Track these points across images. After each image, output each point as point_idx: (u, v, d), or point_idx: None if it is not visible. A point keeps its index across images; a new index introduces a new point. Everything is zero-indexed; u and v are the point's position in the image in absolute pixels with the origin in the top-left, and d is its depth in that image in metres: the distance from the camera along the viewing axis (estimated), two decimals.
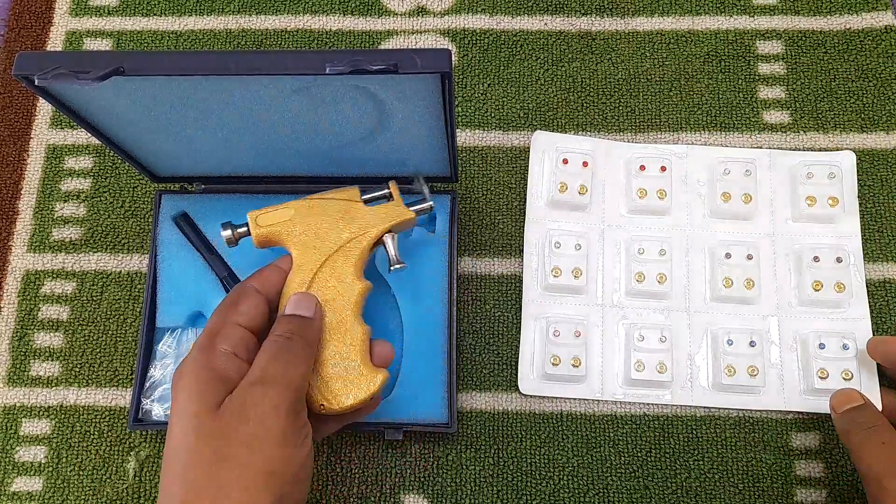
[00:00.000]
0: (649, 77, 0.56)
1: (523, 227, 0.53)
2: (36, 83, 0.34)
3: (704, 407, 0.50)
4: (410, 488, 0.49)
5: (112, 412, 0.50)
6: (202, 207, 0.52)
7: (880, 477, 0.41)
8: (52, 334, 0.52)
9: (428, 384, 0.49)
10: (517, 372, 0.50)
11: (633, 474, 0.48)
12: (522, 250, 0.52)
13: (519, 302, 0.52)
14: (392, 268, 0.44)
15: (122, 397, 0.50)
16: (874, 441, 0.43)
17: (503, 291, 0.52)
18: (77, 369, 0.51)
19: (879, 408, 0.48)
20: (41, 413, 0.50)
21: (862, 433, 0.43)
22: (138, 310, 0.52)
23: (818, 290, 0.50)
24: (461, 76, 0.57)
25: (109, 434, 0.50)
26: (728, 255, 0.51)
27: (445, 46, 0.57)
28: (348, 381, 0.41)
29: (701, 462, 0.49)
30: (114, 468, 0.49)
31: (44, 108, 0.57)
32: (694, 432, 0.49)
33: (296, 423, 0.37)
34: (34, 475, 0.49)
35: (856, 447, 0.43)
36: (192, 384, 0.37)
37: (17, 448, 0.50)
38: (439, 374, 0.49)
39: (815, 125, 0.55)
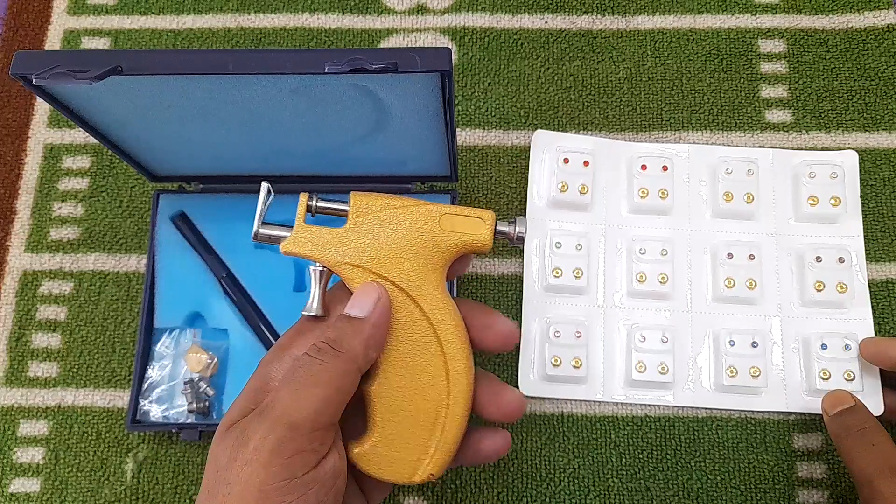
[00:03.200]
0: (651, 76, 0.56)
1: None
2: (34, 82, 0.34)
3: (706, 408, 0.49)
4: (410, 490, 0.48)
5: (110, 413, 0.50)
6: (200, 207, 0.52)
7: (871, 478, 0.41)
8: (49, 335, 0.52)
9: None
10: (517, 373, 0.50)
11: (634, 476, 0.48)
12: (523, 250, 0.52)
13: (519, 302, 0.51)
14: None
15: (120, 398, 0.50)
16: (864, 442, 0.42)
17: (503, 292, 0.52)
18: (75, 370, 0.51)
19: (881, 409, 0.48)
20: (39, 414, 0.50)
21: (853, 435, 0.43)
22: (136, 310, 0.52)
23: (820, 291, 0.50)
24: (461, 75, 0.57)
25: (107, 435, 0.49)
26: (730, 255, 0.51)
27: (445, 45, 0.57)
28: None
29: (703, 463, 0.48)
30: (112, 469, 0.49)
31: (42, 108, 0.57)
32: (696, 433, 0.49)
33: (283, 473, 0.30)
34: (32, 476, 0.49)
35: (847, 449, 0.43)
36: (245, 386, 0.34)
37: (15, 449, 0.49)
38: None
39: (818, 124, 0.55)
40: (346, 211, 0.37)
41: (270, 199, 0.37)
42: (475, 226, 0.37)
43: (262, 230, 0.37)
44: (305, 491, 0.31)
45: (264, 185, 0.37)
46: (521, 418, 0.37)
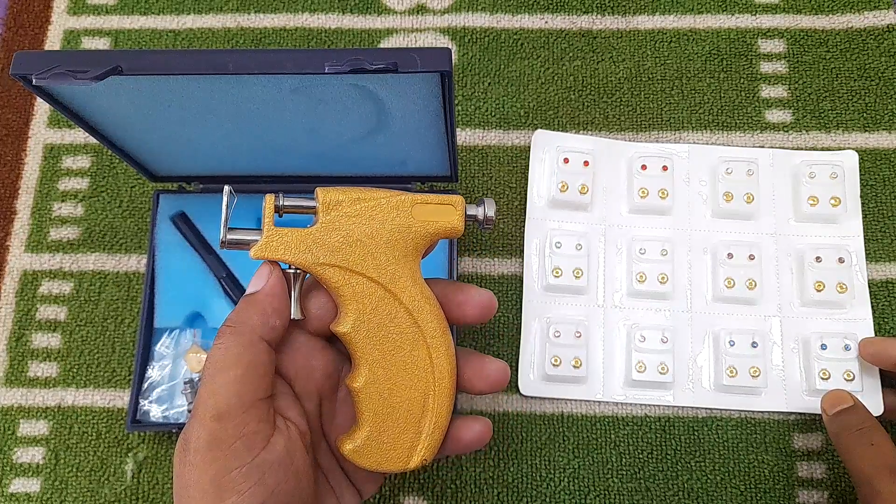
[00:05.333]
0: (651, 76, 0.56)
1: (524, 226, 0.53)
2: (34, 83, 0.34)
3: (706, 408, 0.49)
4: (410, 490, 0.48)
5: (110, 413, 0.50)
6: (200, 207, 0.52)
7: (870, 478, 0.41)
8: (49, 335, 0.52)
9: None
10: (517, 373, 0.50)
11: (634, 476, 0.48)
12: (523, 250, 0.52)
13: (519, 302, 0.51)
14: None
15: (120, 398, 0.50)
16: (863, 442, 0.42)
17: (504, 292, 0.52)
18: (75, 370, 0.51)
19: (881, 409, 0.48)
20: (39, 414, 0.50)
21: (852, 435, 0.43)
22: (136, 310, 0.52)
23: (820, 291, 0.50)
24: (461, 75, 0.56)
25: (107, 435, 0.49)
26: (730, 256, 0.51)
27: (445, 45, 0.57)
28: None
29: (702, 463, 0.48)
30: (112, 469, 0.49)
31: (42, 108, 0.57)
32: (695, 433, 0.49)
33: (231, 462, 0.31)
34: (32, 476, 0.49)
35: (846, 449, 0.43)
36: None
37: (15, 449, 0.49)
38: None
39: (818, 124, 0.55)
40: (314, 208, 0.36)
41: (234, 202, 0.36)
42: (446, 212, 0.37)
43: (229, 236, 0.36)
44: (261, 475, 0.31)
45: (226, 189, 0.36)
46: (506, 387, 0.37)
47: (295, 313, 0.36)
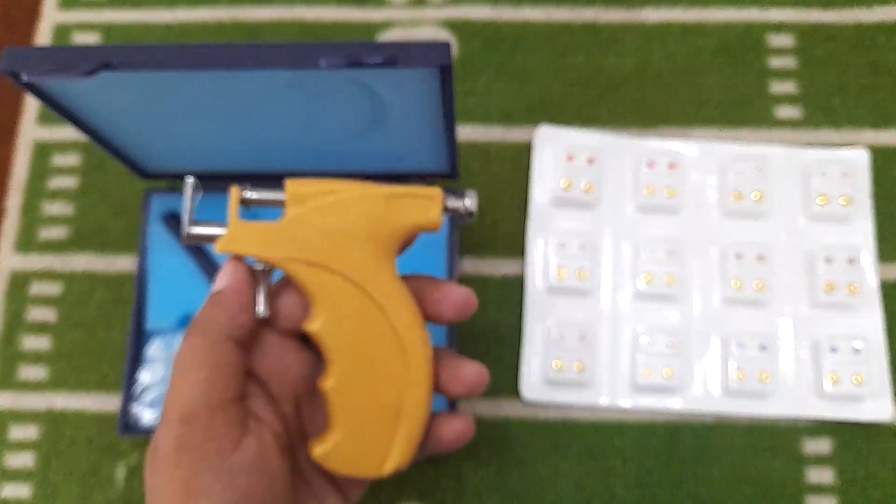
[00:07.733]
0: (657, 70, 0.55)
1: (526, 226, 0.52)
2: (23, 79, 0.34)
3: (714, 413, 0.49)
4: (410, 497, 0.48)
5: (101, 418, 0.49)
6: None
7: None
8: (39, 337, 0.51)
9: None
10: (519, 377, 0.49)
11: (640, 483, 0.48)
12: (525, 250, 0.51)
13: (521, 304, 0.51)
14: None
15: (111, 402, 0.50)
16: None
17: (505, 293, 0.51)
18: (65, 374, 0.50)
19: (890, 413, 0.47)
20: (29, 418, 0.49)
21: None
22: (127, 312, 0.51)
23: (830, 293, 0.49)
24: (462, 69, 0.56)
25: (99, 440, 0.49)
26: (738, 256, 0.50)
27: (445, 38, 0.56)
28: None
29: (710, 470, 0.48)
30: (103, 475, 0.48)
31: (31, 104, 0.56)
32: (703, 439, 0.48)
33: (200, 464, 0.31)
34: (22, 482, 0.48)
35: None
36: None
37: (5, 454, 0.49)
38: None
39: (828, 121, 0.54)
40: (282, 201, 0.35)
41: (199, 194, 0.35)
42: (424, 207, 0.35)
43: (193, 230, 0.34)
44: (232, 477, 0.31)
45: (189, 180, 0.35)
46: (484, 391, 0.36)
47: (262, 310, 0.35)
